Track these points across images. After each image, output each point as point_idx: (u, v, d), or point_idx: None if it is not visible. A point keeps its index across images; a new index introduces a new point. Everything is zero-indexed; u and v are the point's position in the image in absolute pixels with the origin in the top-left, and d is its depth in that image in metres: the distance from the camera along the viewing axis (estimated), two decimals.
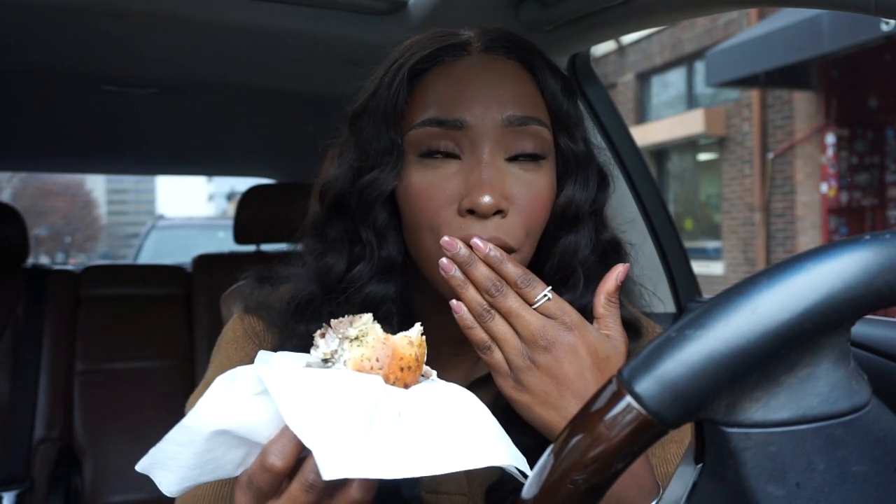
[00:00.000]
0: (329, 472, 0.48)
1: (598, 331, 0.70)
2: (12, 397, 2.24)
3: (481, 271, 0.67)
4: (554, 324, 0.67)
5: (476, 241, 0.68)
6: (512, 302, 0.67)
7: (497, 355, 0.68)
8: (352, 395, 0.52)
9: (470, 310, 0.68)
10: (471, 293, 0.68)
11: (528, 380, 0.67)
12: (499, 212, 0.71)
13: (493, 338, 0.68)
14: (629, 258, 0.83)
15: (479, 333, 0.68)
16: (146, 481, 0.56)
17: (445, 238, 0.68)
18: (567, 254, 0.78)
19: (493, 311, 0.68)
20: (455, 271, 0.68)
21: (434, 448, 0.53)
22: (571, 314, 0.68)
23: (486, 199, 0.69)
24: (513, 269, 0.68)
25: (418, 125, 0.74)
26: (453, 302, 0.69)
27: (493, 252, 0.68)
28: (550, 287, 0.69)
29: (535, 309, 0.68)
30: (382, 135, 0.75)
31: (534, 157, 0.74)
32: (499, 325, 0.67)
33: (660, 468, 0.79)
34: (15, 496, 2.11)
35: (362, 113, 0.78)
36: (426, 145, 0.73)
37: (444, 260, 0.68)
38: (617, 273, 0.72)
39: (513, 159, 0.74)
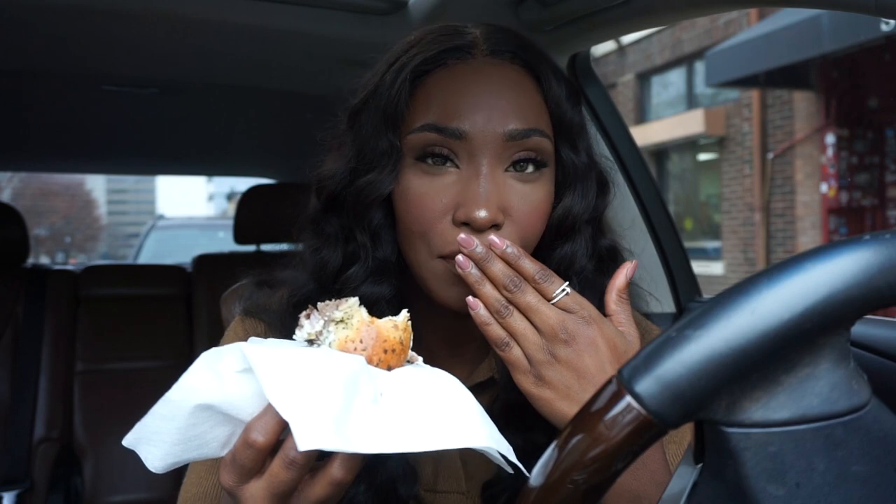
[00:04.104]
0: (305, 443, 0.48)
1: (614, 326, 0.70)
2: (12, 397, 2.24)
3: (498, 267, 0.67)
4: (573, 317, 0.67)
5: (493, 237, 0.68)
6: (530, 297, 0.67)
7: (516, 351, 0.68)
8: (332, 372, 0.52)
9: (487, 306, 0.68)
10: (488, 289, 0.68)
11: (549, 374, 0.67)
12: (494, 225, 0.71)
13: (512, 334, 0.68)
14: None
15: (496, 330, 0.68)
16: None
17: (462, 235, 0.68)
18: (563, 263, 0.77)
19: (510, 307, 0.67)
20: (472, 268, 0.68)
21: (414, 426, 0.53)
22: (589, 309, 0.68)
23: (482, 213, 0.69)
24: (530, 265, 0.68)
25: (417, 129, 0.73)
26: (470, 298, 0.68)
27: (511, 249, 0.68)
28: (568, 283, 0.69)
29: (552, 304, 0.68)
30: (381, 136, 0.74)
31: (534, 168, 0.74)
32: (517, 321, 0.67)
33: None
34: (15, 496, 2.11)
35: (362, 110, 0.77)
36: (424, 150, 0.73)
37: (460, 257, 0.68)
38: (626, 270, 0.72)
39: (511, 169, 0.73)
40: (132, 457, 0.56)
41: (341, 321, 0.58)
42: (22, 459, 2.18)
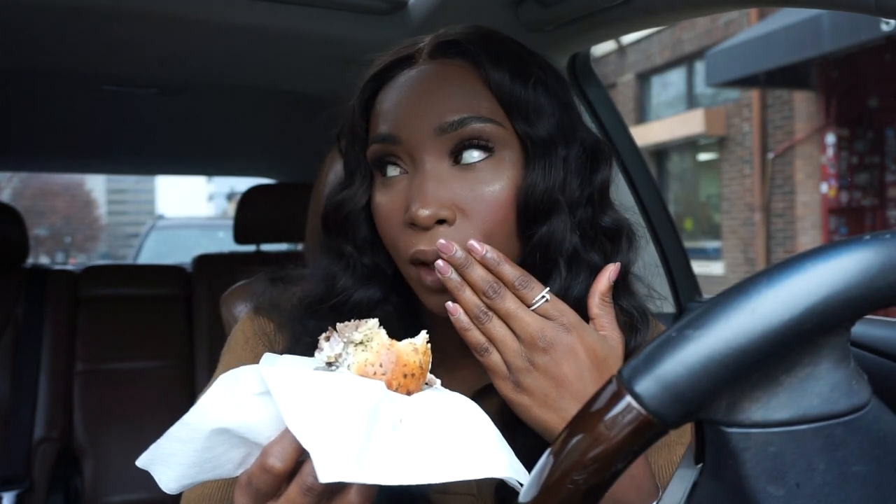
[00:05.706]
0: (326, 475, 0.47)
1: (596, 332, 0.69)
2: (12, 397, 2.24)
3: (478, 273, 0.67)
4: (552, 325, 0.67)
5: (473, 243, 0.68)
6: (510, 303, 0.67)
7: (495, 357, 0.68)
8: (353, 400, 0.52)
9: (467, 312, 0.68)
10: (467, 295, 0.67)
11: (527, 381, 0.66)
12: (443, 221, 0.70)
13: (491, 340, 0.67)
14: (633, 244, 0.78)
15: (476, 335, 0.68)
16: (146, 481, 0.56)
17: (441, 241, 0.67)
18: (541, 247, 0.73)
19: (490, 313, 0.67)
20: (451, 273, 0.67)
21: (433, 456, 0.53)
22: (569, 315, 0.68)
23: (423, 211, 0.68)
24: (510, 270, 0.68)
25: (370, 143, 0.75)
26: (449, 304, 0.68)
27: (490, 254, 0.67)
28: (548, 289, 0.69)
29: (532, 310, 0.67)
30: (351, 154, 0.79)
31: (481, 155, 0.71)
32: (496, 327, 0.67)
33: (668, 470, 0.78)
34: (15, 496, 2.11)
35: (342, 135, 0.81)
36: (378, 162, 0.75)
37: (440, 262, 0.68)
38: (609, 273, 0.71)
39: (459, 162, 0.72)
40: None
41: (361, 343, 0.57)
42: (22, 459, 2.18)
